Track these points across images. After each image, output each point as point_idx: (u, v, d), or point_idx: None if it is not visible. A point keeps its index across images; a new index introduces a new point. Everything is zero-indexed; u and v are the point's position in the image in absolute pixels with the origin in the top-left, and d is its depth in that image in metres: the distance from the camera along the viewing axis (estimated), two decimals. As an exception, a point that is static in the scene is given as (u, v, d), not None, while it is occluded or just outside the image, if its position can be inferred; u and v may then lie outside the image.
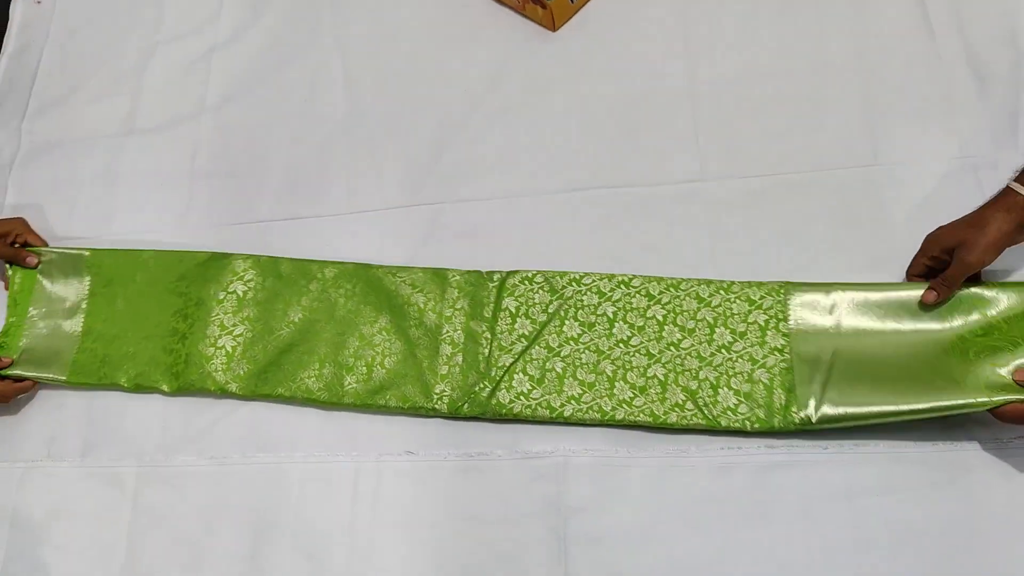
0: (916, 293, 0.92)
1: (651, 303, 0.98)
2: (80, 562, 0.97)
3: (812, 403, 0.89)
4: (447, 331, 1.01)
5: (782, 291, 0.95)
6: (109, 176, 1.19)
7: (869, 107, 1.06)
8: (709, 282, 0.97)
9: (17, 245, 1.11)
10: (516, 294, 1.01)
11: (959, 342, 0.89)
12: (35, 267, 1.10)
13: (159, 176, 1.18)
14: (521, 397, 0.95)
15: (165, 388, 1.03)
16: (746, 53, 1.11)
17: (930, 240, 0.93)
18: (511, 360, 0.97)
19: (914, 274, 0.94)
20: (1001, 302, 0.90)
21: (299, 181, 1.14)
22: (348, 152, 1.15)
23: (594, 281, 1.00)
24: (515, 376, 0.96)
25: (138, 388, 1.04)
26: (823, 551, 0.86)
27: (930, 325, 0.91)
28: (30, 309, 1.09)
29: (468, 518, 0.93)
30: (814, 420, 0.88)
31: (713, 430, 0.92)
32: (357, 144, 1.16)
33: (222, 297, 1.06)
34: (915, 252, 0.94)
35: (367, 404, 0.98)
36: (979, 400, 0.84)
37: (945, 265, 0.90)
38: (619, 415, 0.93)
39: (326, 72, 1.21)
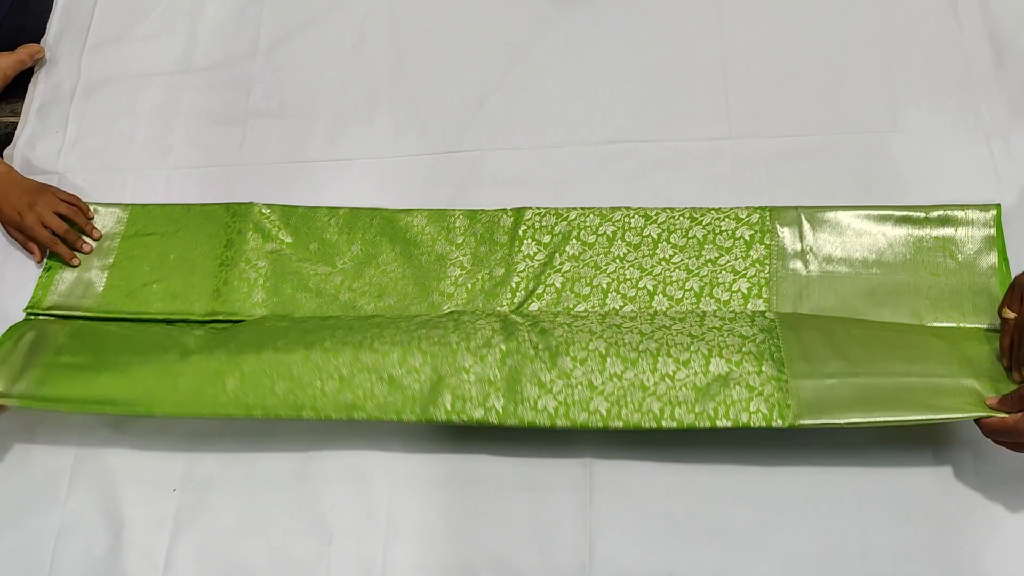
0: (901, 214, 1.00)
1: (648, 222, 1.06)
2: (144, 467, 1.05)
3: (785, 309, 0.98)
4: (456, 256, 1.08)
5: (778, 213, 1.03)
6: (166, 112, 1.25)
7: (891, 77, 1.11)
8: (708, 210, 1.05)
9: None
10: (525, 219, 1.08)
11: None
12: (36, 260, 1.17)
13: (214, 113, 1.24)
14: (517, 312, 1.03)
15: (197, 309, 1.10)
16: (776, 20, 1.16)
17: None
18: (516, 280, 1.05)
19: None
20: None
21: (348, 124, 1.20)
22: (394, 98, 1.21)
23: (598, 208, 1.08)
24: (517, 294, 1.05)
25: (170, 314, 1.11)
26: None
27: (905, 277, 0.99)
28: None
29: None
30: (778, 324, 0.95)
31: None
32: (403, 91, 1.21)
33: (249, 236, 1.13)
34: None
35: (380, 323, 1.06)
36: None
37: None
38: (611, 304, 1.02)
39: (375, 19, 1.26)
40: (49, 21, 1.34)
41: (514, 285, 1.05)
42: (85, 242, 1.16)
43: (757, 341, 0.92)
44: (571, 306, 1.03)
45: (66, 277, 1.15)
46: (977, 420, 0.83)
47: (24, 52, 1.29)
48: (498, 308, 1.04)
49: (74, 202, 1.16)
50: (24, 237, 1.16)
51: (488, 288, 1.06)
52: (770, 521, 0.93)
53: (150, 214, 1.17)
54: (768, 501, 0.94)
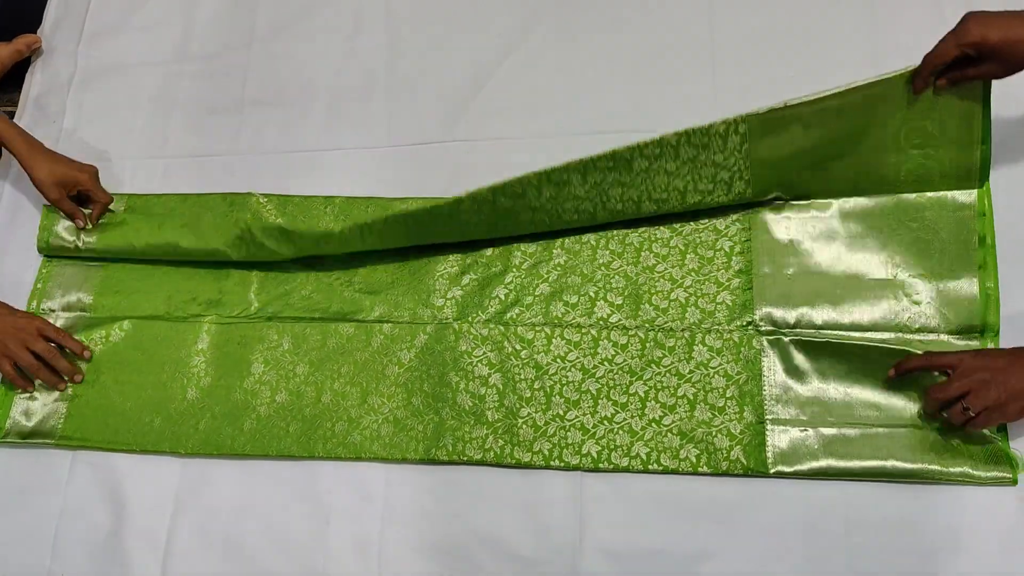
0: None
1: (630, 231, 1.08)
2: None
3: (766, 312, 1.02)
4: (447, 249, 1.11)
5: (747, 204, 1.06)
6: (163, 101, 1.26)
7: (876, 67, 1.12)
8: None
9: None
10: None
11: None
12: (81, 228, 1.15)
13: (211, 102, 1.25)
14: (515, 306, 1.07)
15: (200, 314, 1.12)
16: (765, 12, 1.18)
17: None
18: (510, 276, 1.08)
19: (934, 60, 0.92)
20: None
21: (343, 113, 1.22)
22: (388, 88, 1.23)
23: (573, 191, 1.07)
24: (511, 295, 1.07)
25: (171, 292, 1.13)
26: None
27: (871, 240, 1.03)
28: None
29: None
30: (759, 318, 1.02)
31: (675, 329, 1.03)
32: (397, 81, 1.23)
33: (250, 226, 1.13)
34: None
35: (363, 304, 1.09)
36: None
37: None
38: (599, 313, 1.05)
39: (370, 9, 1.28)
40: (45, 11, 1.35)
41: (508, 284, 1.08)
42: (76, 370, 1.09)
43: (740, 382, 0.99)
44: (560, 314, 1.06)
45: (66, 271, 1.17)
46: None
47: (21, 42, 1.30)
48: (494, 294, 1.07)
49: (55, 337, 1.08)
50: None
51: (481, 278, 1.09)
52: (756, 498, 0.96)
53: (147, 204, 1.19)
54: (754, 478, 0.96)
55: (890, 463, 0.93)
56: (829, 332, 1.00)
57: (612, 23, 1.22)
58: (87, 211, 1.15)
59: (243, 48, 1.28)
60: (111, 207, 1.17)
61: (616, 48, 1.20)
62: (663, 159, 1.00)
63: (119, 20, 1.33)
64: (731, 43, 1.17)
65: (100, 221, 1.16)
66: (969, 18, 0.89)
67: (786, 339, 1.00)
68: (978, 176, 1.00)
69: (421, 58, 1.24)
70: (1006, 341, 0.98)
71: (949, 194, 1.01)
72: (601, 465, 0.98)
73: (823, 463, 0.95)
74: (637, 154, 1.00)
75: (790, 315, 1.01)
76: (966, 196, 1.01)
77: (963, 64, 0.91)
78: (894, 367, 0.94)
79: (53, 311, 1.15)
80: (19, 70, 1.32)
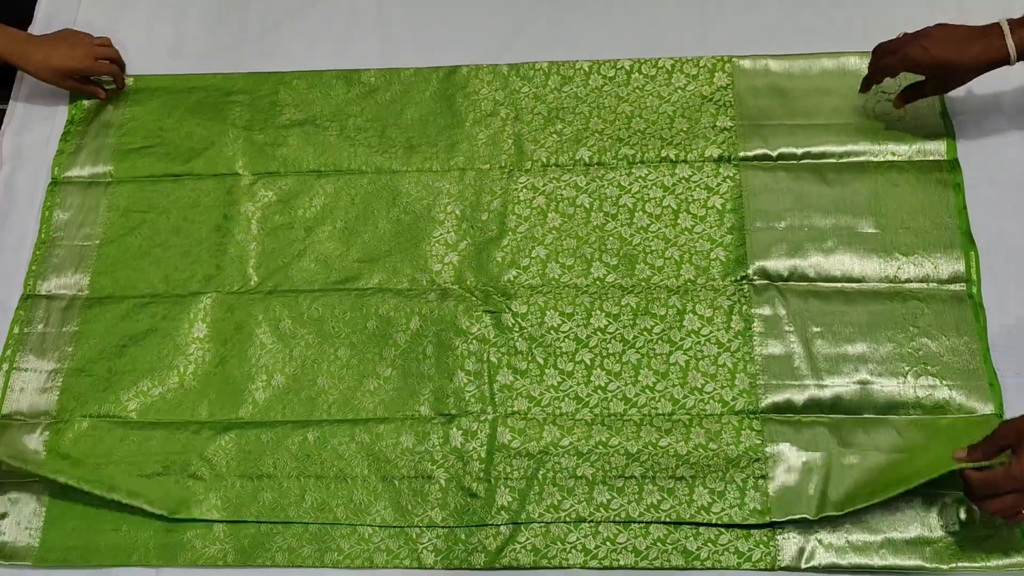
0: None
1: (622, 192, 1.10)
2: None
3: (759, 266, 1.05)
4: (443, 216, 1.12)
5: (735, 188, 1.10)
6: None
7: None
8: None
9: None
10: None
11: None
12: (105, 99, 1.24)
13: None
14: (512, 268, 1.09)
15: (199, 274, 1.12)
16: (759, 16, 1.22)
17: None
18: (506, 240, 1.10)
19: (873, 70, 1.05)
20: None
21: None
22: (382, 88, 1.23)
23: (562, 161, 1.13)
24: (507, 258, 1.09)
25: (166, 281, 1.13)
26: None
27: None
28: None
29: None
30: (752, 272, 1.05)
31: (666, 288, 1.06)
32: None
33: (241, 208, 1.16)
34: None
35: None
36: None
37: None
38: (595, 274, 1.07)
39: (362, 8, 1.28)
40: (36, 8, 1.34)
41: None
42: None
43: (732, 349, 1.01)
44: (557, 275, 1.07)
45: (61, 253, 1.16)
46: (966, 491, 0.85)
47: (10, 42, 1.28)
48: (488, 265, 1.08)
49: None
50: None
51: (478, 243, 1.10)
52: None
53: (142, 190, 1.19)
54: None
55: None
56: (822, 284, 1.04)
57: (604, 25, 1.23)
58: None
59: (236, 47, 1.28)
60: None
61: (607, 51, 1.21)
62: (657, 81, 1.15)
63: (110, 19, 1.31)
64: (722, 50, 1.19)
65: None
66: (919, 38, 0.99)
67: (779, 292, 1.03)
68: (947, 140, 1.08)
69: (413, 56, 1.24)
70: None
71: (927, 156, 1.08)
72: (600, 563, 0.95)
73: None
74: (636, 69, 1.16)
75: (783, 268, 1.05)
76: (938, 155, 1.08)
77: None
78: (961, 455, 0.85)
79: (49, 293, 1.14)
80: (9, 70, 1.30)
